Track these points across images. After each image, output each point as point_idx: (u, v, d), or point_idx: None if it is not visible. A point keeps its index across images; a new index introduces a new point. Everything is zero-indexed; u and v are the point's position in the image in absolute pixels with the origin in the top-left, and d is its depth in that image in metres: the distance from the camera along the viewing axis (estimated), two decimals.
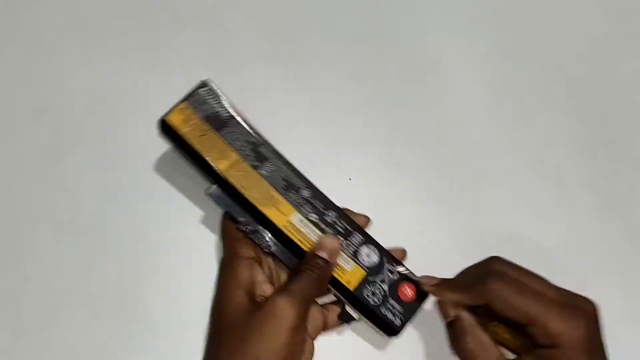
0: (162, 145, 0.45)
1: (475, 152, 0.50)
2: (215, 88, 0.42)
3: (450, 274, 0.44)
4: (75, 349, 0.43)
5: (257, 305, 0.38)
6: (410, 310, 0.41)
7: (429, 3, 0.54)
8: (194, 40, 0.51)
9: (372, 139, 0.50)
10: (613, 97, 0.52)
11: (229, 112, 0.42)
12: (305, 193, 0.41)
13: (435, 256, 0.47)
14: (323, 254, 0.40)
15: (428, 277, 0.42)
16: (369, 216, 0.44)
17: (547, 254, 0.48)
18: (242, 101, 0.47)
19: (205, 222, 0.46)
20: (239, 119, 0.42)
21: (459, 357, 0.41)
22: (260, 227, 0.41)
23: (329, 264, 0.40)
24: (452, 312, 0.41)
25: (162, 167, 0.47)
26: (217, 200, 0.41)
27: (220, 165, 0.41)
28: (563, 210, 0.48)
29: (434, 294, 0.41)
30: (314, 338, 0.42)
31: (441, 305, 0.42)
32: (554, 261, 0.47)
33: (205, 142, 0.41)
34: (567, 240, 0.48)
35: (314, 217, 0.41)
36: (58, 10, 0.51)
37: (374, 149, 0.49)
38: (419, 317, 0.42)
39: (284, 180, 0.41)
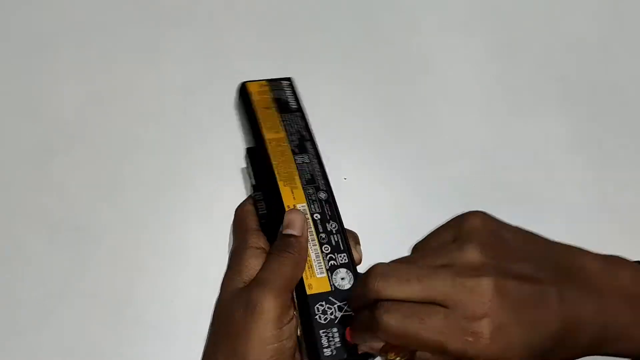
0: (157, 146, 0.48)
1: (468, 151, 0.49)
2: (295, 86, 0.48)
3: None
4: (69, 349, 0.43)
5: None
6: (350, 354, 0.38)
7: (423, 3, 0.55)
8: (188, 40, 0.52)
9: (366, 139, 0.50)
10: (606, 95, 0.51)
11: (297, 106, 0.47)
12: (322, 195, 0.43)
13: None
14: (290, 231, 0.38)
15: None
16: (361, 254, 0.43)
17: None
18: (233, 103, 0.48)
19: (199, 223, 0.47)
20: (301, 114, 0.46)
21: None
22: (267, 199, 0.42)
23: (299, 239, 0.38)
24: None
25: (155, 168, 0.48)
26: (249, 158, 0.44)
27: (267, 134, 0.44)
28: (556, 209, 0.46)
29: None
30: None
31: None
32: None
33: (265, 113, 0.46)
34: (560, 238, 0.44)
35: (317, 217, 0.42)
36: (52, 11, 0.52)
37: (369, 149, 0.50)
38: None
39: (310, 174, 0.44)
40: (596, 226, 0.49)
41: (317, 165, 0.44)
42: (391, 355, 0.35)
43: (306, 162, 0.44)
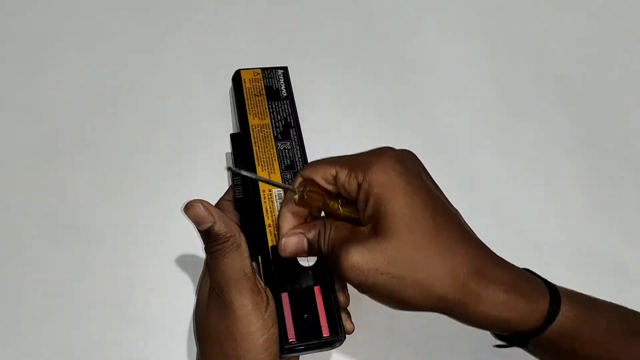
0: (158, 146, 0.48)
1: (469, 151, 0.48)
2: (289, 75, 0.48)
3: None
4: (69, 347, 0.43)
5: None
6: (312, 336, 0.38)
7: (424, 4, 0.54)
8: (189, 40, 0.52)
9: (366, 138, 0.50)
10: (604, 96, 0.50)
11: (287, 93, 0.47)
12: None
13: None
14: (203, 226, 0.36)
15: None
16: None
17: (539, 250, 0.46)
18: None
19: None
20: (290, 102, 0.47)
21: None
22: (244, 183, 0.43)
23: (215, 227, 0.36)
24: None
25: (156, 168, 0.49)
26: (233, 144, 0.45)
27: (252, 120, 0.45)
28: (555, 207, 0.46)
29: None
30: None
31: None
32: (546, 257, 0.46)
33: (254, 100, 0.47)
34: (559, 236, 0.46)
35: None
36: (53, 12, 0.52)
37: (368, 147, 0.48)
38: None
39: (290, 160, 0.44)
40: (595, 226, 0.47)
41: (298, 152, 0.45)
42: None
43: (287, 149, 0.45)
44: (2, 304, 0.44)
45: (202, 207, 0.36)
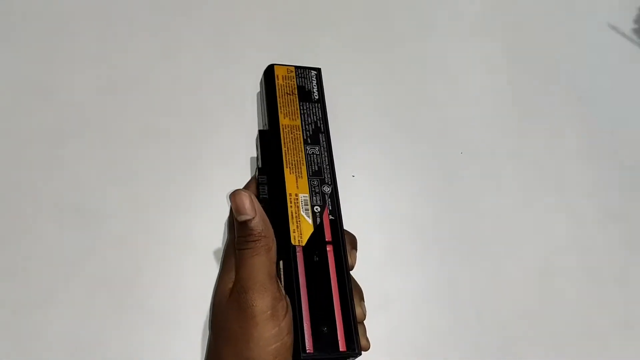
0: (168, 134, 0.48)
1: (477, 155, 0.49)
2: (321, 78, 0.47)
3: (448, 274, 0.43)
4: (72, 332, 0.42)
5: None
6: (330, 349, 0.38)
7: (437, 4, 0.55)
8: (203, 31, 0.52)
9: (376, 137, 0.50)
10: (617, 106, 0.50)
11: (319, 96, 0.46)
12: (326, 189, 0.43)
13: (434, 255, 0.46)
14: (243, 217, 0.36)
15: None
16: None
17: (547, 260, 0.46)
18: (247, 95, 0.50)
19: (206, 211, 0.47)
20: (321, 105, 0.46)
21: None
22: (270, 184, 0.42)
23: (255, 221, 0.37)
24: None
25: (166, 156, 0.48)
26: (261, 140, 0.44)
27: (282, 119, 0.44)
28: (563, 217, 0.46)
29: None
30: None
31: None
32: (554, 268, 0.46)
33: (285, 99, 0.46)
34: (567, 247, 0.46)
35: (317, 209, 0.42)
36: None
37: (378, 147, 0.50)
38: None
39: (318, 167, 0.43)
40: (603, 236, 0.49)
41: (326, 159, 0.44)
42: None
43: (316, 154, 0.44)
44: (8, 284, 0.42)
45: (248, 199, 0.37)
